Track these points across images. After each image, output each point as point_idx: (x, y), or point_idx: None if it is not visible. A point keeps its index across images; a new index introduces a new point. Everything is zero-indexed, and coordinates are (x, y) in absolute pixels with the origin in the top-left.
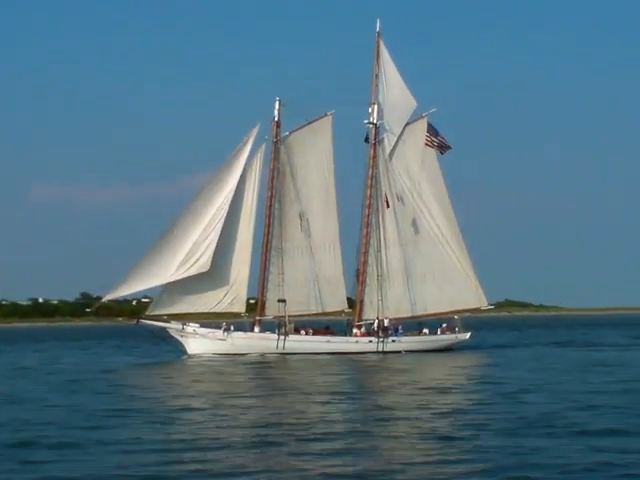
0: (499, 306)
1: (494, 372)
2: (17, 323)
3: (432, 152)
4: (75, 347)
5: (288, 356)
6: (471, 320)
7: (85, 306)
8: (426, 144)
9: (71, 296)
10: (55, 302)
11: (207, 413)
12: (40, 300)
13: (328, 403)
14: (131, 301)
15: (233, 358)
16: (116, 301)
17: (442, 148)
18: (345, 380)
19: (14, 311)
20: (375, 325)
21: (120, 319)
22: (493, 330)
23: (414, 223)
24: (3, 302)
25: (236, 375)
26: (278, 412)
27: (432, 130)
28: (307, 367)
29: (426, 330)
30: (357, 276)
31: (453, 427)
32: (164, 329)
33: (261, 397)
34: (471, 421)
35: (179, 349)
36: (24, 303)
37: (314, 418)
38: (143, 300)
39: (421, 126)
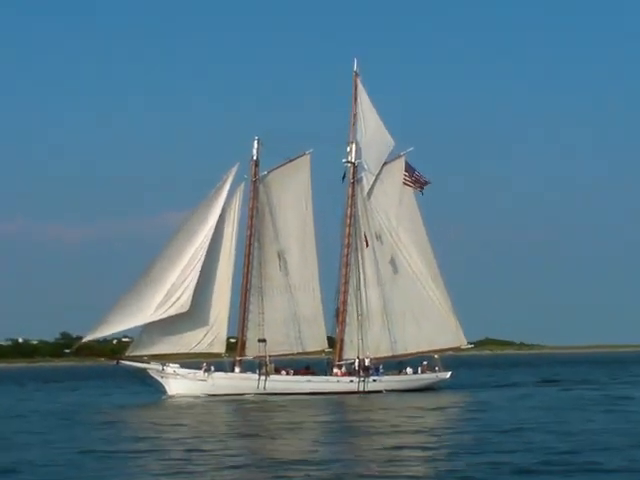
0: (479, 344)
1: (485, 411)
2: None
3: (410, 191)
4: (57, 388)
5: (272, 397)
6: (451, 359)
7: (65, 346)
8: (404, 183)
9: (51, 336)
10: (35, 342)
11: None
12: (20, 340)
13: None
14: (111, 340)
15: (216, 399)
16: (96, 341)
17: (420, 185)
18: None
19: None
20: (356, 364)
21: (101, 359)
22: (474, 369)
23: (393, 262)
24: None
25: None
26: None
27: (410, 169)
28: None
29: (410, 369)
30: (337, 315)
31: (470, 467)
32: (144, 370)
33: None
34: (484, 460)
35: (159, 390)
36: (3, 343)
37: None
38: (123, 340)
39: (399, 165)
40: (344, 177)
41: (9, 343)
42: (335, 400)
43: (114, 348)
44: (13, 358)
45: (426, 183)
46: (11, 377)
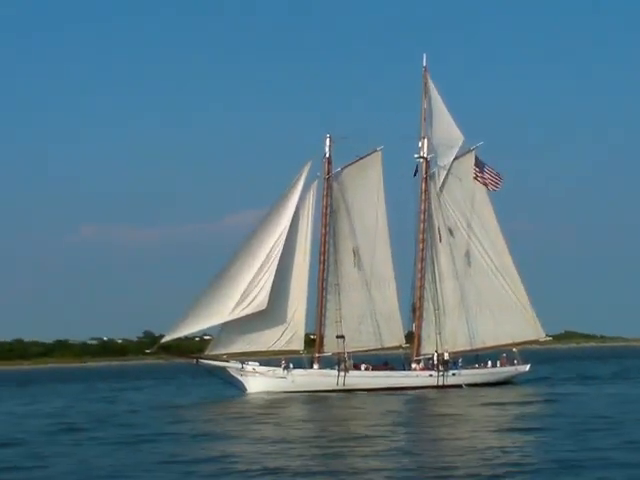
0: (559, 338)
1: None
2: (90, 362)
3: (481, 185)
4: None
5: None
6: (529, 352)
7: (148, 345)
8: (475, 178)
9: (134, 334)
10: (120, 341)
11: None
12: (105, 339)
13: None
14: (194, 338)
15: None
16: (180, 339)
17: (493, 182)
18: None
19: (85, 350)
20: (434, 359)
21: (180, 359)
22: (553, 362)
23: (467, 256)
24: (71, 342)
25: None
26: None
27: (480, 164)
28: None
29: (489, 362)
30: (413, 310)
31: None
32: (223, 368)
33: None
34: None
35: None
36: (89, 342)
37: None
38: (205, 338)
39: (469, 160)
40: (416, 172)
41: (94, 342)
42: (418, 395)
43: (197, 346)
44: (102, 356)
45: (498, 178)
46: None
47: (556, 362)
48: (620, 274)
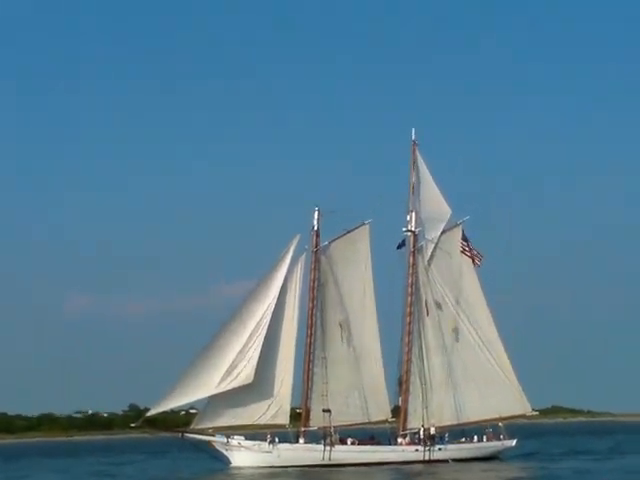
0: (546, 412)
1: None
2: (77, 436)
3: (468, 259)
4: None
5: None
6: (516, 427)
7: (134, 419)
8: (462, 252)
9: (119, 408)
10: (105, 414)
11: None
12: (90, 412)
13: None
14: (179, 412)
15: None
16: (166, 412)
17: (475, 258)
18: None
19: (71, 424)
20: (421, 433)
21: (165, 434)
22: (540, 437)
23: (455, 330)
24: (56, 415)
25: None
26: None
27: (465, 238)
28: None
29: (475, 437)
30: (400, 384)
31: None
32: (209, 442)
33: None
34: None
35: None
36: (77, 416)
37: None
38: (191, 411)
39: (456, 234)
40: (400, 245)
41: (80, 416)
42: (404, 470)
43: (181, 420)
44: (88, 430)
45: (480, 255)
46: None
47: (543, 437)
48: (608, 349)
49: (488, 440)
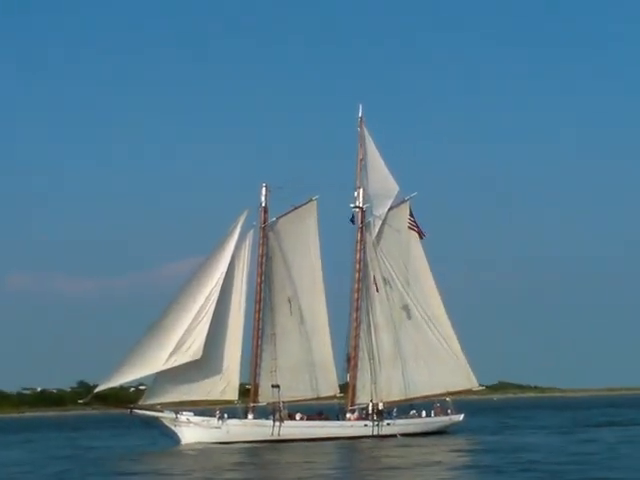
0: (493, 388)
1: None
2: (28, 412)
3: (415, 235)
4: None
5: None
6: (463, 403)
7: (83, 395)
8: (409, 227)
9: (67, 385)
10: (54, 391)
11: None
12: (39, 389)
13: None
14: (129, 388)
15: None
16: (115, 388)
17: (421, 234)
18: None
19: (22, 401)
20: (369, 409)
21: (114, 409)
22: (486, 413)
23: (403, 306)
24: (7, 392)
25: None
26: None
27: (412, 214)
28: None
29: (424, 412)
30: (348, 360)
31: None
32: (157, 418)
33: None
34: None
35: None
36: (26, 392)
37: None
38: (140, 388)
39: (404, 210)
40: (352, 220)
41: (28, 392)
42: (355, 445)
43: (131, 397)
44: (39, 406)
45: (422, 233)
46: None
47: (490, 412)
48: (555, 325)
49: (436, 415)
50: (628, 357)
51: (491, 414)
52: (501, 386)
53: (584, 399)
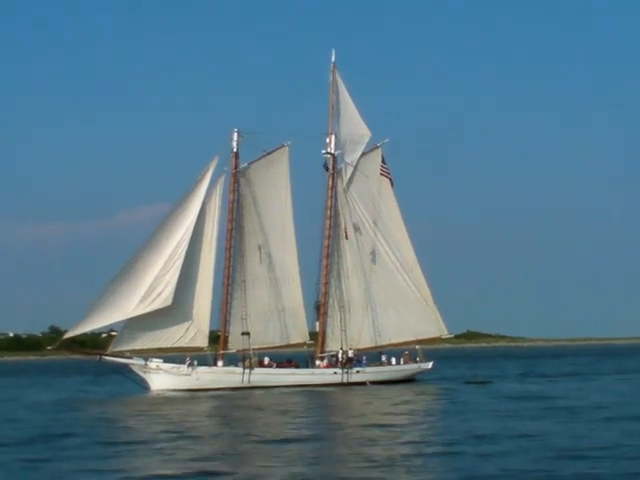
0: (461, 337)
1: None
2: (7, 357)
3: (387, 182)
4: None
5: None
6: (433, 351)
7: (54, 340)
8: (381, 174)
9: (39, 330)
10: (24, 336)
11: None
12: (11, 334)
13: None
14: (100, 334)
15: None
16: (86, 334)
17: (392, 181)
18: None
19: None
20: (339, 356)
21: (83, 356)
22: (457, 361)
23: (373, 253)
24: None
25: None
26: None
27: (384, 161)
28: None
29: (393, 359)
30: (316, 307)
31: None
32: (127, 365)
33: None
34: None
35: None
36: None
37: None
38: (112, 334)
39: (376, 156)
40: (326, 166)
41: (2, 337)
42: (324, 392)
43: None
44: (15, 351)
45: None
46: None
47: (460, 360)
48: (523, 274)
49: (405, 363)
50: (599, 308)
51: (460, 363)
52: (470, 335)
53: (550, 349)
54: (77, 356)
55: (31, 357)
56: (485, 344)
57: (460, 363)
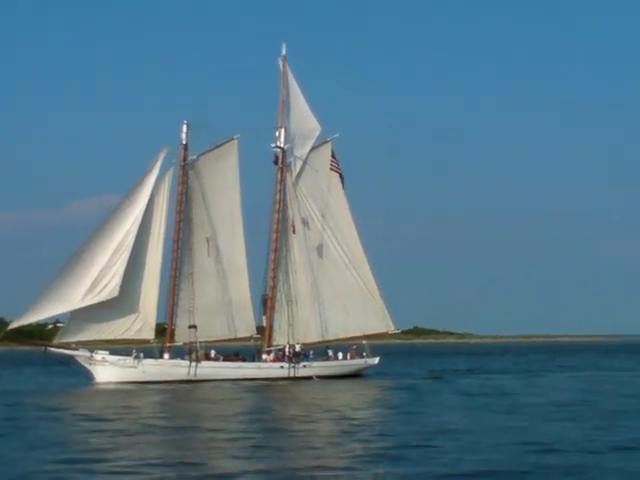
0: (409, 333)
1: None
2: None
3: (337, 177)
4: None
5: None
6: (380, 347)
7: None
8: (331, 169)
9: None
10: None
11: None
12: None
13: None
14: (46, 325)
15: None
16: (31, 325)
17: (342, 177)
18: None
19: None
20: (287, 350)
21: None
22: (403, 358)
23: (321, 248)
24: None
25: None
26: None
27: (334, 156)
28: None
29: (340, 354)
30: (264, 301)
31: None
32: (72, 357)
33: None
34: None
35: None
36: None
37: None
38: (58, 325)
39: (326, 151)
40: (276, 160)
41: None
42: (271, 386)
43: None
44: None
45: (342, 177)
46: None
47: (408, 356)
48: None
49: (351, 358)
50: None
51: (406, 358)
52: (417, 331)
53: (493, 346)
54: (23, 347)
55: None
56: (433, 340)
57: (409, 359)
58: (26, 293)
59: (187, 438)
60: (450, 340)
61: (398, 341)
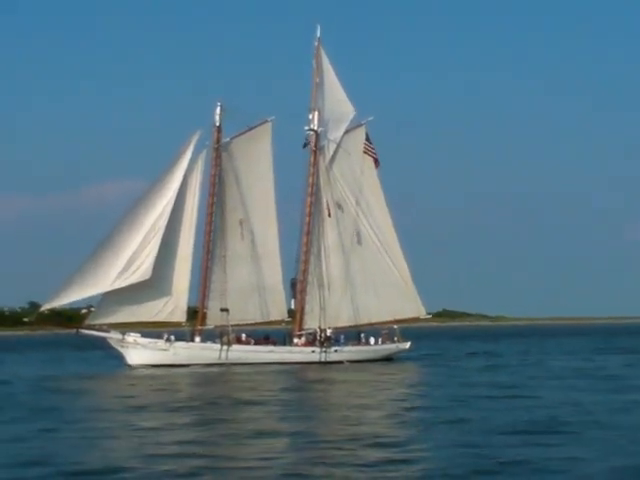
0: (437, 316)
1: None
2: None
3: (370, 160)
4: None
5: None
6: (410, 330)
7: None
8: (364, 152)
9: (17, 304)
10: (6, 310)
11: None
12: None
13: None
14: (80, 309)
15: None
16: (64, 308)
17: (377, 161)
18: None
19: None
20: (317, 334)
21: (59, 329)
22: (433, 340)
23: (354, 231)
24: None
25: None
26: None
27: (368, 139)
28: None
29: (372, 338)
30: (293, 285)
31: None
32: (104, 339)
33: None
34: None
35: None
36: None
37: None
38: (91, 309)
39: (359, 134)
40: (305, 144)
41: None
42: (302, 370)
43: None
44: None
45: (377, 161)
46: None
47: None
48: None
49: (383, 342)
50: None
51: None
52: (444, 313)
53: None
54: (55, 330)
55: (7, 333)
56: (468, 323)
57: (436, 342)
58: (58, 277)
59: None
60: (485, 323)
61: (434, 324)
